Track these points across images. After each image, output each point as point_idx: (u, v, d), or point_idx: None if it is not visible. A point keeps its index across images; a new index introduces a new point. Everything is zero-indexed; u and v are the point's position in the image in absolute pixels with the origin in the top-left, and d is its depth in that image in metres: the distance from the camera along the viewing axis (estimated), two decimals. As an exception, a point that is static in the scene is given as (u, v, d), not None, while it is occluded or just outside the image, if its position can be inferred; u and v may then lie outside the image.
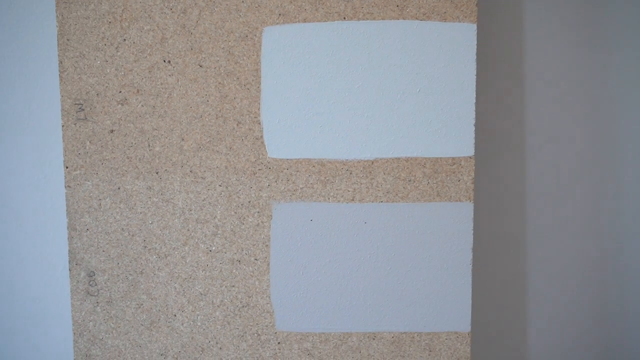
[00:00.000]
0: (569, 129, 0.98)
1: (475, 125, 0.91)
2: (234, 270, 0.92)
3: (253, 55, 0.88)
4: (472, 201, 0.91)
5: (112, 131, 0.90)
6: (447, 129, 0.89)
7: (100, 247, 0.91)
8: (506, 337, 1.01)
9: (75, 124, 0.89)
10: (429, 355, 0.93)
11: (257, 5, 0.87)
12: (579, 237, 1.00)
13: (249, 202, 0.90)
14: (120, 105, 0.89)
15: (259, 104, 0.89)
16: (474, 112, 0.89)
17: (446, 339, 0.93)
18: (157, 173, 0.90)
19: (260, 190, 0.90)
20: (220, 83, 0.89)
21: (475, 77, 0.88)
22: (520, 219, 0.99)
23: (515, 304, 1.01)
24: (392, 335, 0.93)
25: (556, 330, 1.02)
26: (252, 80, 0.89)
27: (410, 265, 0.92)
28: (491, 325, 1.01)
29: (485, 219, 0.98)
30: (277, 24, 0.88)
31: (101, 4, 0.88)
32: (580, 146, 0.98)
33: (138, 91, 0.89)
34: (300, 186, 0.90)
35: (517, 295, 1.01)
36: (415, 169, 0.90)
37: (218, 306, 0.92)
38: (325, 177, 0.90)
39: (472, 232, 0.91)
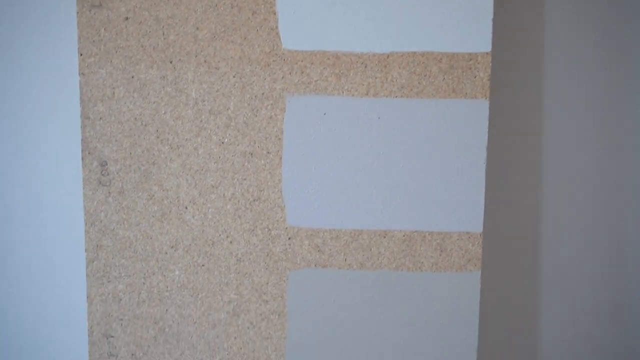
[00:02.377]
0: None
1: (493, 20, 0.89)
2: (246, 163, 0.91)
3: (270, -58, 0.87)
4: (487, 98, 0.89)
5: (126, 18, 0.89)
6: (465, 23, 0.88)
7: (113, 136, 0.91)
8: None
9: (90, 11, 0.89)
10: (440, 255, 0.92)
11: None
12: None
13: (263, 93, 0.90)
14: (135, -8, 0.89)
15: (275, -8, 0.88)
16: (492, 7, 0.88)
17: (458, 239, 0.92)
18: (171, 62, 0.90)
19: (274, 82, 0.90)
20: (236, -30, 0.88)
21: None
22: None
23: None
24: (404, 233, 0.92)
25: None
26: (268, -32, 0.88)
27: (424, 162, 0.91)
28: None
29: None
30: None
31: None
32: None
33: (153, -22, 0.88)
34: (315, 79, 0.90)
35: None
36: (431, 63, 0.89)
37: (229, 199, 0.92)
38: (339, 70, 0.89)
39: (487, 130, 0.90)
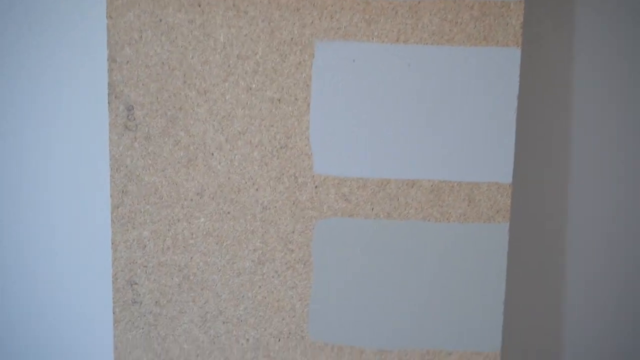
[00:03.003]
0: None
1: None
2: (274, 110, 0.90)
3: None
4: (519, 47, 0.88)
5: (155, -40, 0.88)
6: (498, -31, 0.87)
7: (140, 80, 0.90)
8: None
9: (118, -48, 0.88)
10: (468, 205, 0.91)
11: None
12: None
13: (292, 39, 0.89)
14: None
15: None
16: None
17: (487, 190, 0.91)
18: (199, 6, 0.89)
19: (303, 27, 0.88)
20: None
21: None
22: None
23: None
24: (432, 183, 0.91)
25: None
26: None
27: (453, 111, 0.90)
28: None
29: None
30: None
31: None
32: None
33: None
34: (344, 24, 0.88)
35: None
36: (463, 10, 0.88)
37: (256, 146, 0.91)
38: (369, 16, 0.88)
39: (518, 79, 0.89)
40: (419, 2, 0.88)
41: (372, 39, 0.89)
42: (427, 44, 0.89)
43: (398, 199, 0.92)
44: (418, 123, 0.90)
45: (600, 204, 0.99)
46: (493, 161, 0.90)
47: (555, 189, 0.98)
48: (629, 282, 1.00)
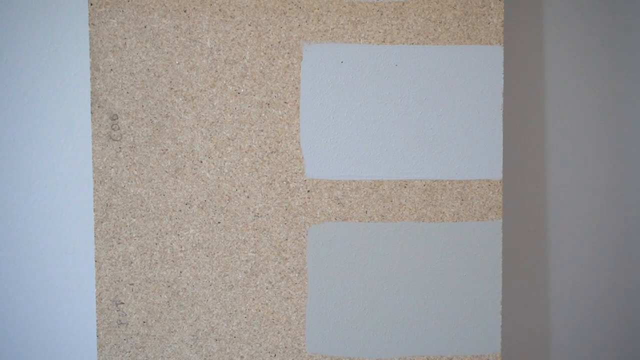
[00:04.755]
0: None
1: None
2: (263, 114, 0.89)
3: None
4: (502, 44, 0.90)
5: (139, -33, 0.87)
6: (477, -30, 0.90)
7: (125, 88, 0.88)
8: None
9: (101, -41, 0.87)
10: (461, 203, 0.91)
11: None
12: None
13: (279, 42, 0.89)
14: (148, -60, 0.87)
15: (291, -61, 0.88)
16: (503, -47, 0.90)
17: (478, 187, 0.91)
18: (184, 11, 0.88)
19: (290, 30, 0.89)
20: None
21: None
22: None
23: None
24: (424, 183, 0.91)
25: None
26: None
27: (441, 109, 0.90)
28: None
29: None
30: None
31: None
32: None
33: None
34: (331, 27, 0.89)
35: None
36: (446, 10, 0.90)
37: (246, 152, 0.89)
38: (356, 18, 0.89)
39: (503, 76, 0.91)
40: (404, 3, 0.89)
41: (359, 40, 0.89)
42: (412, 43, 0.90)
43: (391, 200, 0.91)
44: (407, 122, 0.90)
45: (584, 196, 1.00)
46: (483, 158, 0.91)
47: (537, 184, 0.99)
48: (617, 272, 1.01)
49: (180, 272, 0.89)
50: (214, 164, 0.89)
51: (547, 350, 1.01)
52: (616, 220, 1.01)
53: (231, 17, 0.88)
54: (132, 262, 0.89)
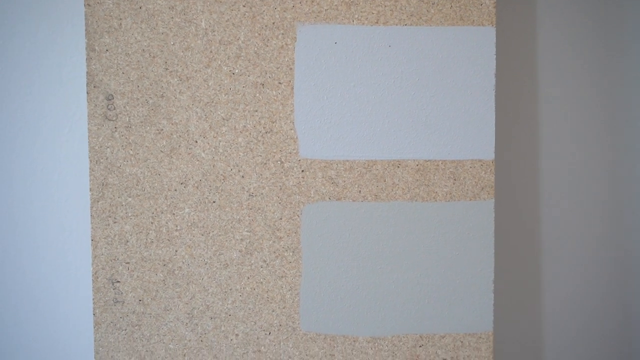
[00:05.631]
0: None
1: None
2: (257, 94, 0.90)
3: None
4: (494, 25, 0.91)
5: (134, -52, 0.88)
6: (470, -48, 0.90)
7: (120, 68, 0.89)
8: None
9: (96, -60, 0.87)
10: (454, 183, 0.92)
11: None
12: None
13: (273, 23, 0.89)
14: None
15: None
16: None
17: (470, 167, 0.92)
18: (179, -8, 0.88)
19: (284, 11, 0.89)
20: None
21: None
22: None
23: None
24: (417, 163, 0.92)
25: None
26: None
27: (434, 90, 0.91)
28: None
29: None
30: None
31: None
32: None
33: None
34: (325, 7, 0.90)
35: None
36: (439, -9, 0.91)
37: (241, 132, 0.90)
38: (349, -1, 0.90)
39: (495, 57, 0.91)
40: (396, -15, 0.90)
41: (353, 21, 0.90)
42: (406, 25, 0.91)
43: (385, 180, 0.92)
44: (401, 103, 0.91)
45: (576, 175, 1.01)
46: (475, 138, 0.92)
47: (529, 164, 1.00)
48: (610, 249, 1.02)
49: (176, 251, 0.90)
50: (209, 143, 0.90)
51: (540, 328, 1.02)
52: (609, 197, 1.02)
53: (226, -2, 0.89)
54: (128, 241, 0.90)
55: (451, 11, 0.91)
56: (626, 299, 1.03)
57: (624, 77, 1.01)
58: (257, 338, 0.91)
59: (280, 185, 0.91)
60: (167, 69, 0.89)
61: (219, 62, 0.89)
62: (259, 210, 0.91)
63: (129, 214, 0.90)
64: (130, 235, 0.90)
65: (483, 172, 0.92)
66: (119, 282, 0.90)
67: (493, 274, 0.93)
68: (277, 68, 0.90)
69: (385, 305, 0.92)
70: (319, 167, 0.91)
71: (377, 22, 0.90)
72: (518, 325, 1.01)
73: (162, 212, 0.90)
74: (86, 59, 0.88)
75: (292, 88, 0.90)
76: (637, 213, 1.02)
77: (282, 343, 0.92)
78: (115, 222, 0.90)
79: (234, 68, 0.89)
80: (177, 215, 0.90)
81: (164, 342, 0.91)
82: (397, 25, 0.90)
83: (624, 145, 1.02)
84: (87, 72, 0.88)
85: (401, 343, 0.93)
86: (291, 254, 0.91)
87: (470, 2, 0.91)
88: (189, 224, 0.90)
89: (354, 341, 0.92)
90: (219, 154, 0.90)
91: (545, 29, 1.00)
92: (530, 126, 1.00)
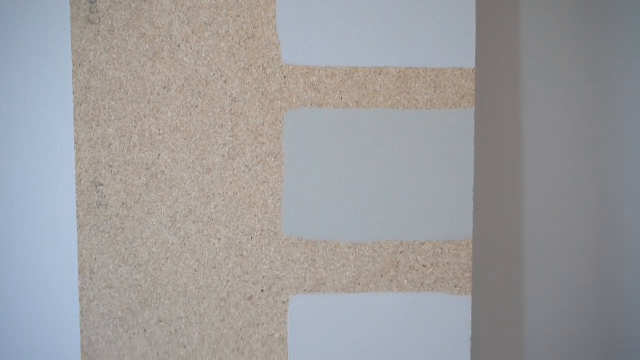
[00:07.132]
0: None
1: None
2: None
3: None
4: None
5: None
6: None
7: (103, -29, 0.89)
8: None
9: None
10: (435, 91, 0.93)
11: None
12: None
13: None
14: None
15: None
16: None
17: (451, 75, 0.93)
18: None
19: None
20: None
21: None
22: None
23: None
24: (398, 70, 0.93)
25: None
26: None
27: (416, -3, 0.92)
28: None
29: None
30: None
31: None
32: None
33: None
34: None
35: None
36: None
37: (223, 37, 0.91)
38: None
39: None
40: None
41: None
42: None
43: (366, 87, 0.92)
44: (382, 9, 0.92)
45: (558, 85, 1.02)
46: (456, 47, 0.93)
47: (510, 72, 1.01)
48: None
49: (159, 155, 0.91)
50: (191, 48, 0.90)
51: (519, 235, 1.03)
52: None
53: None
54: (111, 145, 0.91)
55: None
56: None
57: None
58: (240, 242, 0.93)
59: (262, 91, 0.91)
60: (149, -28, 0.89)
61: (202, -34, 0.90)
62: (242, 116, 0.91)
63: (112, 118, 0.90)
64: (114, 138, 0.90)
65: (464, 80, 0.93)
66: (102, 185, 0.91)
67: (473, 182, 0.94)
68: (260, -27, 0.90)
69: (366, 212, 0.93)
70: (300, 73, 0.92)
71: None
72: (498, 233, 1.03)
73: (145, 116, 0.91)
74: (69, -38, 0.88)
75: (275, -7, 0.90)
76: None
77: (264, 248, 0.93)
78: (98, 126, 0.90)
79: (216, -28, 0.90)
80: (159, 120, 0.91)
81: (147, 246, 0.92)
82: None
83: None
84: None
85: (382, 249, 0.94)
86: (273, 159, 0.92)
87: None
88: (172, 128, 0.91)
89: (335, 247, 0.94)
90: (202, 58, 0.91)
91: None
92: (511, 34, 1.01)
